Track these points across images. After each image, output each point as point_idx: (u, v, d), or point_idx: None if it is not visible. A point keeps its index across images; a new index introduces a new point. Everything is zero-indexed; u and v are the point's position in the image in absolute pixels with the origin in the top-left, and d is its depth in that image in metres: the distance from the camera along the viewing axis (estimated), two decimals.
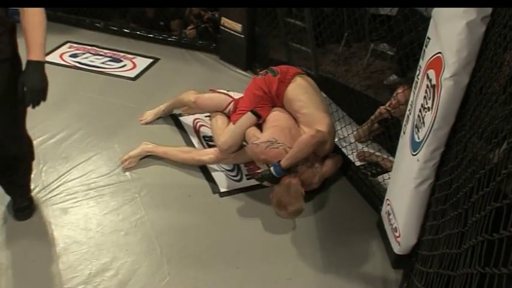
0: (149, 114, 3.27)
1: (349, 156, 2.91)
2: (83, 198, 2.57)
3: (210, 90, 3.16)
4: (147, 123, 3.23)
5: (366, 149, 2.95)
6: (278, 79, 2.80)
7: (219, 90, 3.12)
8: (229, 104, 2.96)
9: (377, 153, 2.86)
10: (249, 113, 2.77)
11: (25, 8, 1.86)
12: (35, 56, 1.89)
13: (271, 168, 2.52)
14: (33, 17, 1.87)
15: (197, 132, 3.20)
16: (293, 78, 2.81)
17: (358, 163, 2.93)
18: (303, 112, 2.71)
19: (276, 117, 2.75)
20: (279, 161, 2.49)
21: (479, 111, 1.52)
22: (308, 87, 2.80)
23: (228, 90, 3.12)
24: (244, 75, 3.98)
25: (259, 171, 2.65)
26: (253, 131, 2.70)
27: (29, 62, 1.89)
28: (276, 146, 2.53)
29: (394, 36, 2.79)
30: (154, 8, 4.45)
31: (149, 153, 2.89)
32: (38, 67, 1.90)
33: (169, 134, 3.17)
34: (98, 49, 4.22)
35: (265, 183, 2.60)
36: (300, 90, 2.77)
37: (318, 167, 2.64)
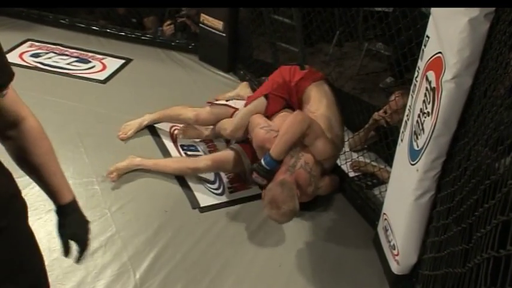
0: (130, 128, 3.19)
1: (342, 166, 2.92)
2: (45, 215, 2.53)
3: (208, 103, 3.23)
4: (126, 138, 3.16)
5: (361, 158, 2.96)
6: (305, 73, 2.94)
7: (217, 102, 3.19)
8: (233, 114, 3.01)
9: (373, 163, 2.88)
10: (262, 97, 2.87)
11: (27, 129, 1.39)
12: (69, 196, 1.53)
13: (262, 160, 2.56)
14: (42, 142, 1.45)
15: (174, 141, 3.20)
16: (320, 80, 2.93)
17: (352, 174, 2.95)
18: (318, 114, 2.75)
19: (284, 117, 2.77)
20: (269, 152, 2.56)
21: (484, 116, 1.54)
22: (330, 95, 2.90)
23: (227, 100, 3.19)
24: (225, 77, 3.99)
25: (251, 166, 2.68)
26: (263, 118, 2.78)
27: (64, 207, 1.54)
28: None
29: (391, 35, 2.81)
30: None
31: (137, 167, 2.88)
32: (76, 209, 1.56)
33: (144, 143, 3.16)
34: (62, 48, 4.21)
35: (257, 178, 2.61)
36: (323, 93, 2.88)
37: (315, 176, 2.63)
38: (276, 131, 2.62)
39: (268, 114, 2.86)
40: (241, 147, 2.86)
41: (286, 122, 2.62)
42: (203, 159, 2.89)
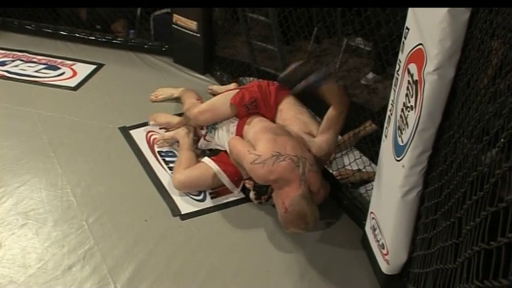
0: (162, 93, 3.70)
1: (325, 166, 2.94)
2: (19, 229, 2.51)
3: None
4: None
5: (345, 159, 2.97)
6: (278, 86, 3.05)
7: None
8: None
9: (362, 170, 2.86)
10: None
11: None
12: None
13: (313, 76, 2.70)
14: None
15: (151, 147, 3.18)
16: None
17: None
18: (301, 117, 2.83)
19: (262, 125, 2.77)
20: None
21: (468, 108, 1.56)
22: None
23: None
24: (202, 79, 4.00)
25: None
26: (245, 147, 2.63)
27: None
28: (282, 159, 2.47)
29: (370, 29, 2.84)
30: (85, 8, 4.42)
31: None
32: None
33: (119, 149, 3.15)
34: (29, 55, 4.16)
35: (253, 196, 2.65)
36: (300, 102, 3.04)
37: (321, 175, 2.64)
38: (270, 158, 2.48)
39: (241, 118, 2.90)
40: (216, 163, 2.84)
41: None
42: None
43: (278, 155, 2.48)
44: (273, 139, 2.59)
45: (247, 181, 2.70)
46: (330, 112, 2.70)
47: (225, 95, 3.02)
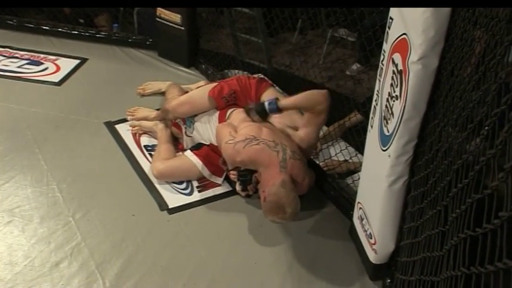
0: (150, 88, 3.68)
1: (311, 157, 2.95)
2: (4, 226, 2.48)
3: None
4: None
5: (331, 150, 2.99)
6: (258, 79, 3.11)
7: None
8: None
9: (349, 161, 2.87)
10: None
11: None
12: None
13: (266, 103, 2.62)
14: None
15: (137, 141, 3.17)
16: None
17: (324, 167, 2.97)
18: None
19: (244, 116, 2.77)
20: (277, 98, 2.62)
21: (452, 96, 1.57)
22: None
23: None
24: (187, 72, 3.99)
25: (250, 105, 2.73)
26: (227, 130, 2.64)
27: None
28: (256, 143, 2.47)
29: (354, 20, 2.85)
30: None
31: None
32: None
33: (105, 144, 3.13)
34: (12, 51, 4.12)
35: (255, 117, 2.68)
36: (283, 93, 3.06)
37: (306, 163, 2.63)
38: (243, 140, 2.50)
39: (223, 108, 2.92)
40: (197, 156, 2.86)
41: (313, 92, 2.63)
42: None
43: (252, 138, 2.49)
44: (254, 125, 2.62)
45: (230, 172, 2.70)
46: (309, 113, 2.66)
47: (203, 88, 3.04)
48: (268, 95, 2.88)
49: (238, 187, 2.66)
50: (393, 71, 1.88)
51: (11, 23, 4.43)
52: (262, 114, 2.65)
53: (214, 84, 3.02)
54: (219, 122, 2.85)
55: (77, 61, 4.04)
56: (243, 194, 2.67)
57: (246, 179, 2.59)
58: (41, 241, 2.43)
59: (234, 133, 2.58)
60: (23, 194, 2.69)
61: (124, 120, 3.32)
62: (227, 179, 2.84)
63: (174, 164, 2.86)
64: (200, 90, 3.05)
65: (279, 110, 2.60)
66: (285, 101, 2.64)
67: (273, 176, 2.41)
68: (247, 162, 2.49)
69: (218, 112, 2.91)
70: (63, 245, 2.41)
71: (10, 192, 2.69)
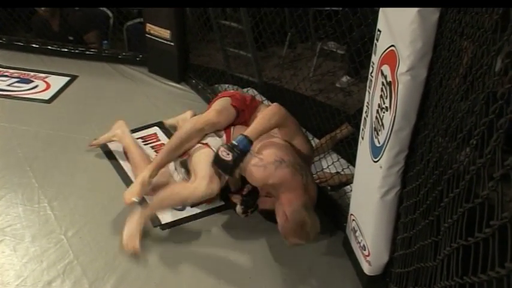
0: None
1: None
2: None
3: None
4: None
5: (323, 163, 2.99)
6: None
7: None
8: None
9: (341, 173, 2.87)
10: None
11: None
12: None
13: (236, 141, 2.39)
14: None
15: (128, 158, 3.15)
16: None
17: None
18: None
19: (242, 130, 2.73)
20: (241, 134, 2.43)
21: (441, 107, 1.58)
22: None
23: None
24: (177, 87, 3.99)
25: (219, 151, 2.42)
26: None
27: None
28: (285, 165, 2.40)
29: (343, 32, 2.87)
30: (58, 19, 4.38)
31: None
32: None
33: (97, 163, 3.12)
34: (1, 69, 4.12)
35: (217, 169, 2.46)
36: None
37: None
38: (272, 162, 2.40)
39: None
40: None
41: (264, 111, 2.60)
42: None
43: (281, 160, 2.42)
44: (278, 146, 2.53)
45: (233, 196, 2.69)
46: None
47: (224, 99, 2.93)
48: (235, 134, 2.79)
49: (239, 209, 2.65)
50: (382, 82, 1.89)
51: (0, 41, 4.43)
52: (241, 157, 2.41)
53: (227, 97, 2.94)
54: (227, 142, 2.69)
55: (67, 78, 4.04)
56: (242, 215, 2.66)
57: (249, 204, 2.60)
58: (33, 260, 2.41)
59: (259, 155, 2.47)
60: (14, 212, 2.67)
61: None
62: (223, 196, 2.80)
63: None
64: (222, 100, 2.92)
65: (251, 142, 2.43)
66: (250, 132, 2.47)
67: (296, 197, 2.38)
68: (277, 185, 2.41)
69: (224, 135, 2.84)
70: (56, 264, 2.39)
71: (1, 211, 2.68)
